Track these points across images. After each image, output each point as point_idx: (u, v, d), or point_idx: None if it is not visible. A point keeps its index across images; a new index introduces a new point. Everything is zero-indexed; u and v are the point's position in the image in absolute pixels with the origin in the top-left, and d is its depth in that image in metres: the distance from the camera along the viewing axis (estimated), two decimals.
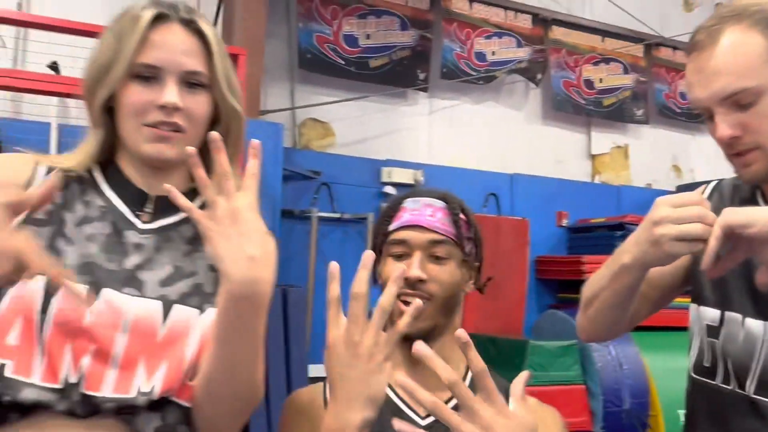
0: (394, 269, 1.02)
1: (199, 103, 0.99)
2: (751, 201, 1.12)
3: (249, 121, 3.21)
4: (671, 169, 5.87)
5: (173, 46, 0.98)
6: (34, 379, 0.86)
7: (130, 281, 0.94)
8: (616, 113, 5.58)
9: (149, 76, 0.97)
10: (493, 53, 5.08)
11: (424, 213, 1.09)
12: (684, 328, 1.25)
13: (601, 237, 4.83)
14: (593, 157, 5.57)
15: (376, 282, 1.14)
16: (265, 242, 0.86)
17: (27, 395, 0.86)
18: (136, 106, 0.96)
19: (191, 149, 0.86)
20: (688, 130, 5.88)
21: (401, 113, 4.87)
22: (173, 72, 0.97)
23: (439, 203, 1.11)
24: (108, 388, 0.88)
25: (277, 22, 4.42)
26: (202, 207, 0.87)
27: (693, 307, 1.19)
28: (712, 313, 1.12)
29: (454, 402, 0.80)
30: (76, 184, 1.00)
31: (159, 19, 0.99)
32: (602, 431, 3.86)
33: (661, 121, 5.79)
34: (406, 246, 1.07)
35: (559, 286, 4.96)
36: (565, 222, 5.14)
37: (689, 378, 1.20)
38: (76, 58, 3.20)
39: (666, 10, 5.75)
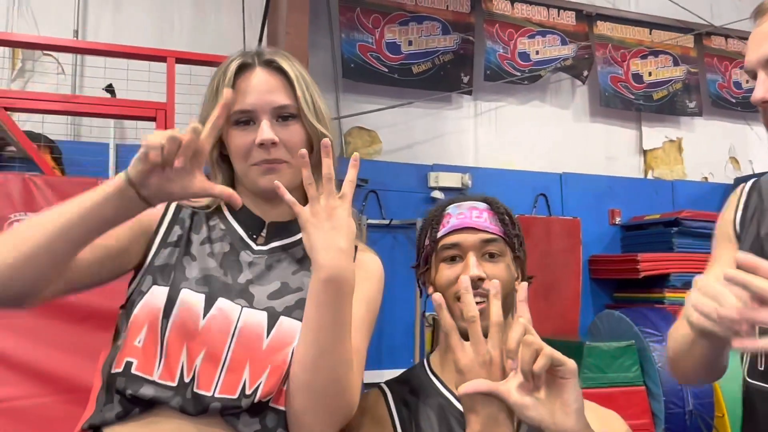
0: (443, 276, 1.03)
1: (293, 133, 1.12)
2: None
3: None
4: (728, 161, 5.68)
5: (259, 89, 1.11)
6: (154, 377, 0.97)
7: (242, 294, 1.04)
8: (667, 106, 5.43)
9: (246, 120, 1.10)
10: (537, 52, 5.03)
11: (471, 215, 1.10)
12: None
13: (656, 234, 4.72)
14: (645, 152, 5.44)
15: (422, 291, 1.15)
16: (352, 239, 0.98)
17: (146, 391, 0.96)
18: (241, 150, 1.10)
19: (303, 150, 1.01)
20: (744, 120, 5.68)
21: (446, 117, 4.87)
22: (264, 111, 1.10)
23: (483, 205, 1.12)
24: (216, 388, 0.97)
25: (320, 33, 4.49)
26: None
27: None
28: None
29: None
30: (203, 212, 1.15)
31: (243, 68, 1.13)
32: None
33: (715, 112, 5.61)
34: (459, 249, 1.07)
35: (614, 285, 4.86)
36: (618, 220, 5.04)
37: (744, 382, 1.16)
38: (130, 80, 3.33)
39: None
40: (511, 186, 4.59)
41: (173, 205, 1.15)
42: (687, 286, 4.44)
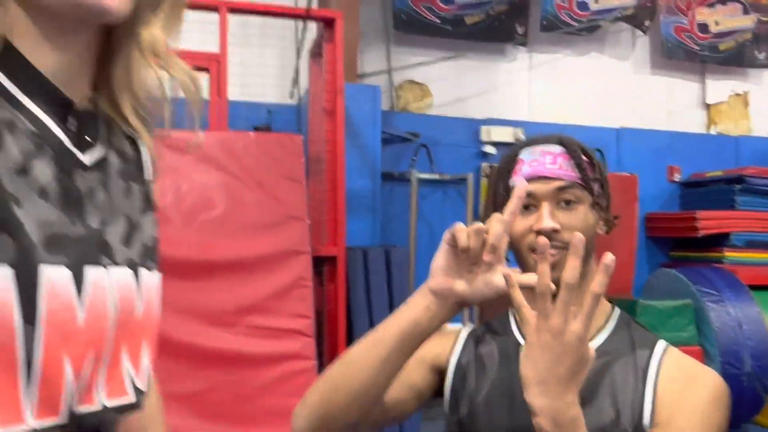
0: (518, 225, 0.99)
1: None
2: None
3: (346, 85, 3.26)
4: None
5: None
6: (25, 424, 0.57)
7: (101, 248, 0.64)
8: (734, 58, 5.17)
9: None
10: (597, 1, 4.83)
11: (544, 161, 1.03)
12: None
13: (718, 191, 4.55)
14: (708, 106, 5.21)
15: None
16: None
17: None
18: None
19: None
20: None
21: (499, 70, 4.75)
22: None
23: (558, 148, 1.04)
24: (102, 396, 0.63)
25: None
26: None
27: None
28: None
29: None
30: None
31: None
32: None
33: None
34: (532, 198, 1.01)
35: (671, 243, 4.74)
36: (677, 177, 4.88)
37: None
38: (183, 31, 3.34)
39: None
40: None
41: None
42: (749, 245, 4.29)
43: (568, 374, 0.80)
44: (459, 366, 1.04)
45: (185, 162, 2.65)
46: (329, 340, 2.99)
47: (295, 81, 3.81)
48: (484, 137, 4.50)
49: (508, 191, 1.04)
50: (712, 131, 5.19)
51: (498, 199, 1.09)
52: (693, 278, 3.92)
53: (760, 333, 3.73)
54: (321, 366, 2.70)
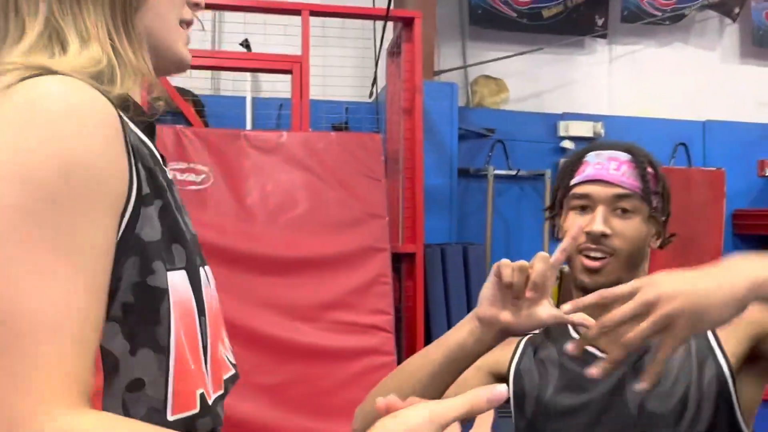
0: (572, 224, 1.01)
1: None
2: None
3: (424, 83, 3.27)
4: None
5: None
6: (211, 399, 0.67)
7: (200, 249, 0.75)
8: None
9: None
10: None
11: (608, 166, 1.04)
12: None
13: None
14: None
15: (554, 236, 1.14)
16: None
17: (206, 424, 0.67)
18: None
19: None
20: None
21: (578, 63, 4.66)
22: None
23: (625, 156, 1.06)
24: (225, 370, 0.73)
25: None
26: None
27: None
28: None
29: None
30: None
31: None
32: None
33: None
34: (589, 200, 1.04)
35: (762, 241, 4.52)
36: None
37: None
38: (266, 35, 3.46)
39: None
40: (647, 135, 4.34)
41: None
42: None
43: None
44: (519, 371, 1.07)
45: (270, 162, 2.75)
46: (407, 336, 3.04)
47: (374, 80, 3.86)
48: (561, 132, 4.42)
49: (567, 189, 1.07)
50: None
51: (558, 195, 1.11)
52: None
53: None
54: (399, 361, 2.75)
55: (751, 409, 0.98)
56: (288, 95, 3.24)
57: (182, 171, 2.65)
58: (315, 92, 3.26)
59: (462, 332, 0.90)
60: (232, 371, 0.75)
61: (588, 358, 0.98)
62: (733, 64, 4.87)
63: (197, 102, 3.71)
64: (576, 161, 1.10)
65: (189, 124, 3.11)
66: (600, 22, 4.57)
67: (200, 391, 0.65)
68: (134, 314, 0.59)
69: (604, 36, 4.59)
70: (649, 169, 1.05)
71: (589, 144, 1.19)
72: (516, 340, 1.12)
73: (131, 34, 0.64)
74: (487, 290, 0.89)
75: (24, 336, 0.50)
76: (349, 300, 2.68)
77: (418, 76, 3.08)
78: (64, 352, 0.51)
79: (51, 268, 0.51)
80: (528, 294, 0.86)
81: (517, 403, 1.07)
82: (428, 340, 3.10)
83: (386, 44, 3.56)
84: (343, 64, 3.77)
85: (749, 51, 4.83)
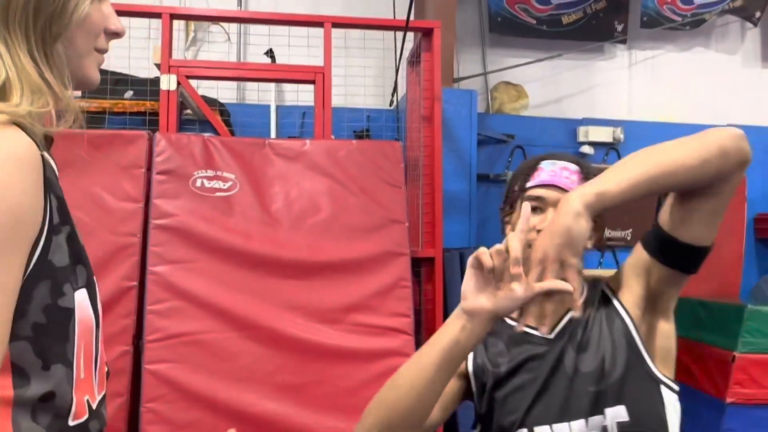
0: (522, 212, 1.10)
1: None
2: None
3: (444, 90, 3.35)
4: None
5: None
6: (96, 398, 0.78)
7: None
8: None
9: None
10: None
11: (561, 174, 1.17)
12: None
13: None
14: None
15: (503, 233, 1.26)
16: None
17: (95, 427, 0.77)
18: None
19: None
20: None
21: (597, 69, 4.69)
22: None
23: (574, 167, 1.19)
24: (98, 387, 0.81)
25: None
26: None
27: None
28: None
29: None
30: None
31: None
32: None
33: None
34: (542, 202, 1.16)
35: None
36: None
37: None
38: (290, 46, 3.57)
39: None
40: (667, 140, 4.36)
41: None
42: None
43: None
44: (477, 366, 1.19)
45: (294, 169, 2.84)
46: (427, 338, 3.10)
47: (394, 89, 3.95)
48: (581, 137, 4.46)
49: (523, 191, 1.20)
50: None
51: (511, 196, 1.24)
52: None
53: None
54: None
55: (664, 348, 1.12)
56: (311, 103, 3.34)
57: (210, 179, 2.75)
58: (337, 101, 3.35)
59: (453, 330, 0.97)
60: (106, 368, 0.83)
61: (528, 338, 1.16)
62: (755, 67, 4.87)
63: (224, 111, 3.82)
64: (532, 166, 1.22)
65: (216, 132, 3.22)
66: (619, 28, 4.60)
67: (86, 397, 0.74)
68: (45, 333, 0.67)
69: (623, 41, 4.63)
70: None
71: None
72: None
73: (50, 59, 0.72)
74: (469, 283, 0.97)
75: None
76: (370, 303, 2.74)
77: (438, 85, 3.16)
78: None
79: None
80: (513, 270, 0.93)
81: (478, 394, 1.18)
82: None
83: (406, 53, 3.64)
84: (365, 74, 3.86)
85: None
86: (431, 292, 3.10)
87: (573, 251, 0.93)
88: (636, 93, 4.72)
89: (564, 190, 1.14)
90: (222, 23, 4.05)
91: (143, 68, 3.58)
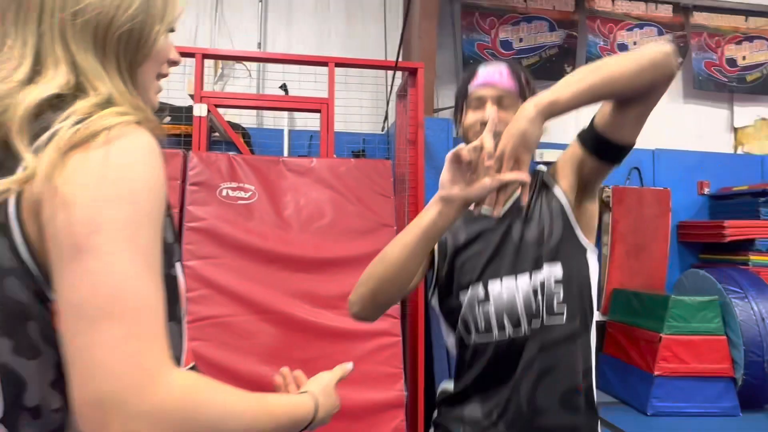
0: (488, 114, 1.12)
1: None
2: None
3: (426, 119, 3.35)
4: None
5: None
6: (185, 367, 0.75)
7: None
8: (760, 87, 4.91)
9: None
10: (635, 43, 4.72)
11: (494, 74, 1.16)
12: None
13: (743, 203, 4.34)
14: (736, 130, 4.97)
15: (457, 134, 1.25)
16: None
17: None
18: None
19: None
20: None
21: None
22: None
23: (505, 66, 1.18)
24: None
25: (445, 36, 4.50)
26: None
27: None
28: None
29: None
30: None
31: None
32: (744, 377, 3.54)
33: None
34: (481, 101, 1.16)
35: (701, 248, 4.56)
36: (706, 191, 4.68)
37: None
38: (300, 81, 3.57)
39: None
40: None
41: None
42: None
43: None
44: (441, 239, 1.18)
45: (303, 182, 2.84)
46: (410, 321, 3.10)
47: (385, 117, 3.96)
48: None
49: (466, 95, 1.19)
50: (739, 151, 4.95)
51: (459, 101, 1.22)
52: (720, 278, 3.77)
53: None
54: (404, 341, 2.81)
55: (589, 223, 1.14)
56: (317, 128, 3.34)
57: (234, 189, 2.75)
58: (338, 126, 3.36)
59: (431, 214, 0.99)
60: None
61: (482, 217, 1.13)
62: (678, 103, 4.92)
63: (245, 134, 3.82)
64: (471, 74, 1.21)
65: (239, 151, 3.22)
66: (569, 69, 4.64)
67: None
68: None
69: None
70: (523, 76, 1.17)
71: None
72: None
73: (135, 83, 0.69)
74: (446, 175, 0.98)
75: (139, 312, 0.54)
76: None
77: (421, 114, 3.17)
78: (163, 327, 0.56)
79: (146, 266, 0.57)
80: (488, 162, 0.94)
81: (440, 261, 1.18)
82: (427, 323, 3.17)
83: (395, 88, 3.65)
84: (361, 104, 3.87)
85: (690, 93, 4.89)
86: None
87: (527, 150, 0.93)
88: (584, 119, 4.75)
89: (497, 87, 1.14)
90: (245, 62, 4.05)
91: (179, 98, 3.58)
